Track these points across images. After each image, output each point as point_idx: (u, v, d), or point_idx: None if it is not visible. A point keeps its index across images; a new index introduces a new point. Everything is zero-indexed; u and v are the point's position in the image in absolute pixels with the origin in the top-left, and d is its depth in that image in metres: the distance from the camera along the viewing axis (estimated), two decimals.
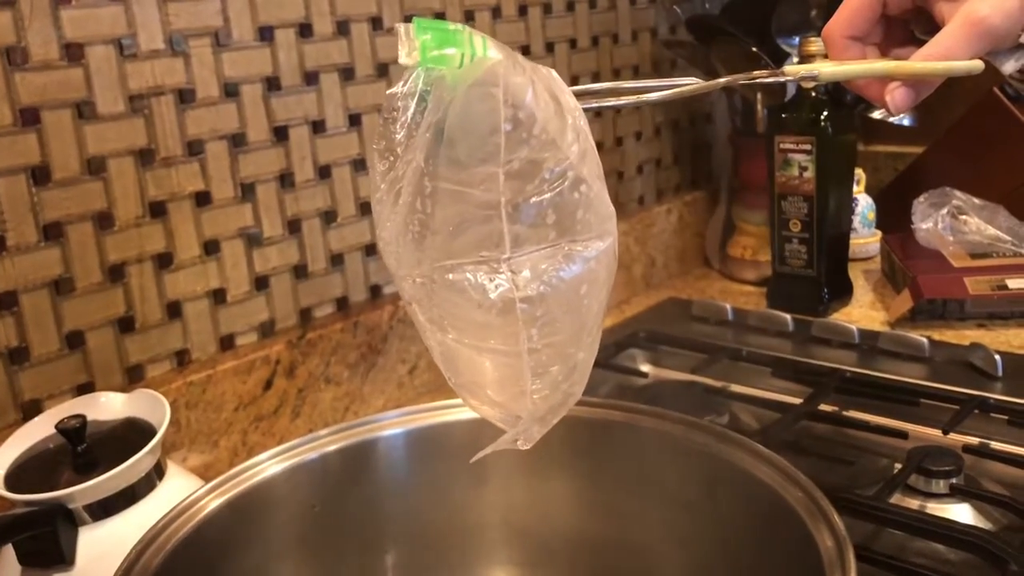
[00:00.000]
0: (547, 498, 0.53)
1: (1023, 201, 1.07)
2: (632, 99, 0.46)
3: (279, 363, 0.78)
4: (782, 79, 0.48)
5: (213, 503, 0.49)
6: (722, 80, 0.48)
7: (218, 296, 0.76)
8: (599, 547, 0.52)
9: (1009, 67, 0.46)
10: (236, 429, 0.75)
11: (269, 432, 0.77)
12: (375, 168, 0.40)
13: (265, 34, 0.76)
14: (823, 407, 0.78)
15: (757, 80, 0.49)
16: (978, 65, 0.47)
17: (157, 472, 0.57)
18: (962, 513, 0.64)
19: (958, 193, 1.05)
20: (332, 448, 0.52)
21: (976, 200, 1.04)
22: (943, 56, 0.46)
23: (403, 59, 0.37)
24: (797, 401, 0.79)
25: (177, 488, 0.56)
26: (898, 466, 0.68)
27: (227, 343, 0.77)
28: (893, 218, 1.15)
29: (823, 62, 0.49)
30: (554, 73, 0.40)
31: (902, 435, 0.73)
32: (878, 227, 1.19)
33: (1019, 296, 0.93)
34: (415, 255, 0.39)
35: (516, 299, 0.37)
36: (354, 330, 0.83)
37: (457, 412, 0.52)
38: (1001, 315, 0.94)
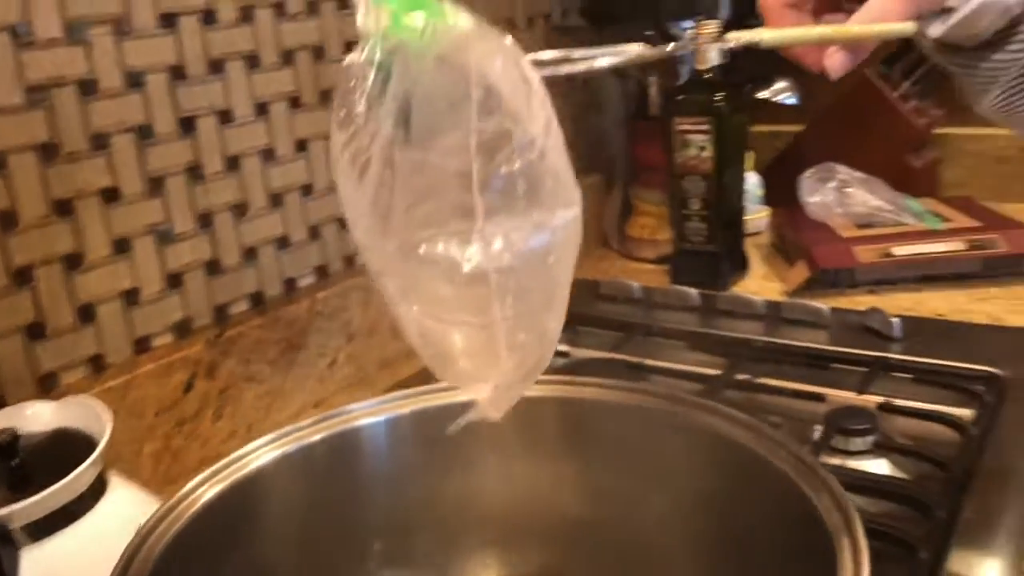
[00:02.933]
0: (535, 480, 0.53)
1: (896, 174, 1.15)
2: (584, 66, 0.47)
3: (199, 364, 0.75)
4: (726, 46, 0.50)
5: (208, 493, 0.47)
6: (668, 47, 0.50)
7: (131, 296, 0.72)
8: (586, 525, 0.52)
9: (935, 30, 0.48)
10: (158, 434, 0.72)
11: (192, 435, 0.74)
12: (335, 139, 0.38)
13: (168, 21, 0.73)
14: (740, 376, 0.82)
15: (701, 46, 0.50)
16: (911, 27, 0.48)
17: (99, 484, 0.53)
18: (881, 467, 0.68)
19: (841, 167, 1.10)
20: (317, 438, 0.51)
21: (857, 173, 1.10)
22: (877, 19, 0.48)
23: (368, 26, 0.36)
24: (716, 372, 0.82)
25: (123, 500, 0.53)
26: (817, 427, 0.71)
27: (143, 345, 0.73)
28: (776, 193, 1.21)
29: (764, 28, 0.51)
30: (512, 41, 0.39)
31: (820, 398, 0.77)
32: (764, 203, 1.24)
33: (904, 262, 0.99)
34: (383, 228, 0.38)
35: (490, 270, 0.37)
36: (272, 326, 0.81)
37: (442, 397, 0.51)
38: (888, 280, 1.01)
